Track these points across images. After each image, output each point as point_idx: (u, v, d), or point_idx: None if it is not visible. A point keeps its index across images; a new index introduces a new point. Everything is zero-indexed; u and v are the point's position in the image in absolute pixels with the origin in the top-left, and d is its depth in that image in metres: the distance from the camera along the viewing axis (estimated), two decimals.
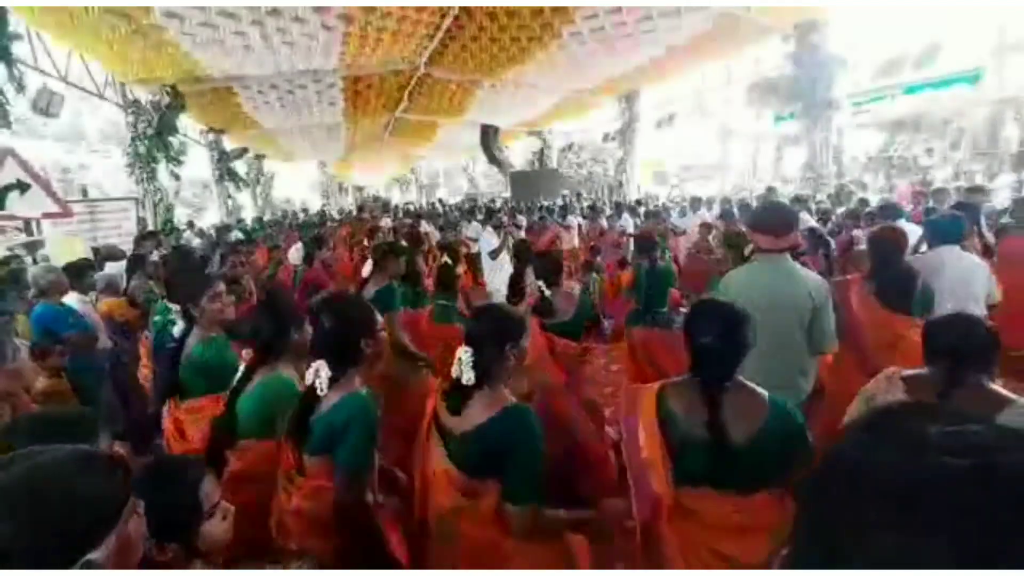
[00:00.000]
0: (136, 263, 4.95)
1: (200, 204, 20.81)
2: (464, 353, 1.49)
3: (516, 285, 3.39)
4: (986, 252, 3.91)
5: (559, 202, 12.41)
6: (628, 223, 7.80)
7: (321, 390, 1.52)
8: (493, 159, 17.03)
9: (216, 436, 1.82)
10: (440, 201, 17.66)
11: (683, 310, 3.52)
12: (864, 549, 0.43)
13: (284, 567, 1.51)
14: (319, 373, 1.53)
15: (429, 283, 4.38)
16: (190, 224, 10.66)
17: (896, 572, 0.41)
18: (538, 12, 7.59)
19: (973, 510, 0.40)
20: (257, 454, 1.77)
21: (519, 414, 1.47)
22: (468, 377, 1.48)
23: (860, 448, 0.49)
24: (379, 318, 1.69)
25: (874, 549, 0.43)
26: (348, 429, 1.50)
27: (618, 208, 9.23)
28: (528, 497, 1.41)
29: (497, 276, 5.37)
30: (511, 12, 7.60)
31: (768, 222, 2.19)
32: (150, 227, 8.64)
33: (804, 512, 0.52)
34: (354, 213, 14.41)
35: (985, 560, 0.39)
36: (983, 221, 4.38)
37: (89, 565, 0.84)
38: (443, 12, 7.44)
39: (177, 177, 9.60)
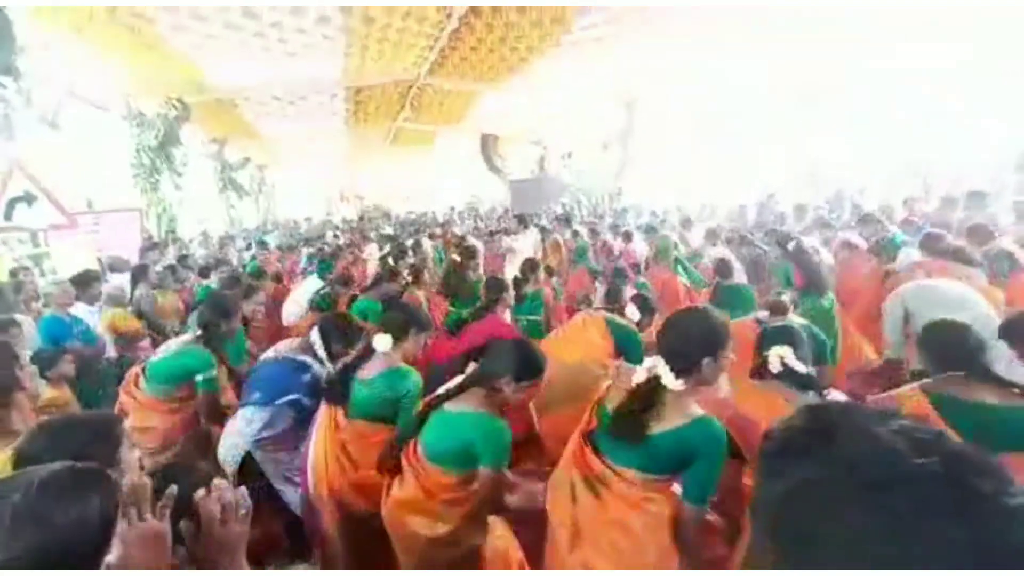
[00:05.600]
0: (140, 274, 5.01)
1: (202, 215, 20.85)
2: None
3: None
4: None
5: (559, 210, 12.46)
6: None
7: (666, 380, 1.51)
8: (493, 167, 17.13)
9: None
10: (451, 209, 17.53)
11: None
12: (840, 549, 0.45)
13: (284, 567, 1.53)
14: (658, 369, 1.53)
15: None
16: (203, 235, 10.67)
17: (893, 572, 0.43)
18: (537, 23, 7.69)
19: (944, 509, 0.43)
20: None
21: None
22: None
23: (824, 451, 0.51)
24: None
25: (853, 548, 0.45)
26: (704, 457, 1.47)
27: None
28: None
29: None
30: (510, 23, 7.70)
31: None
32: (154, 238, 8.71)
33: (768, 517, 0.54)
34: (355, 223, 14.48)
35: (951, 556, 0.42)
36: None
37: (107, 567, 0.90)
38: (442, 24, 7.53)
39: (179, 188, 9.70)
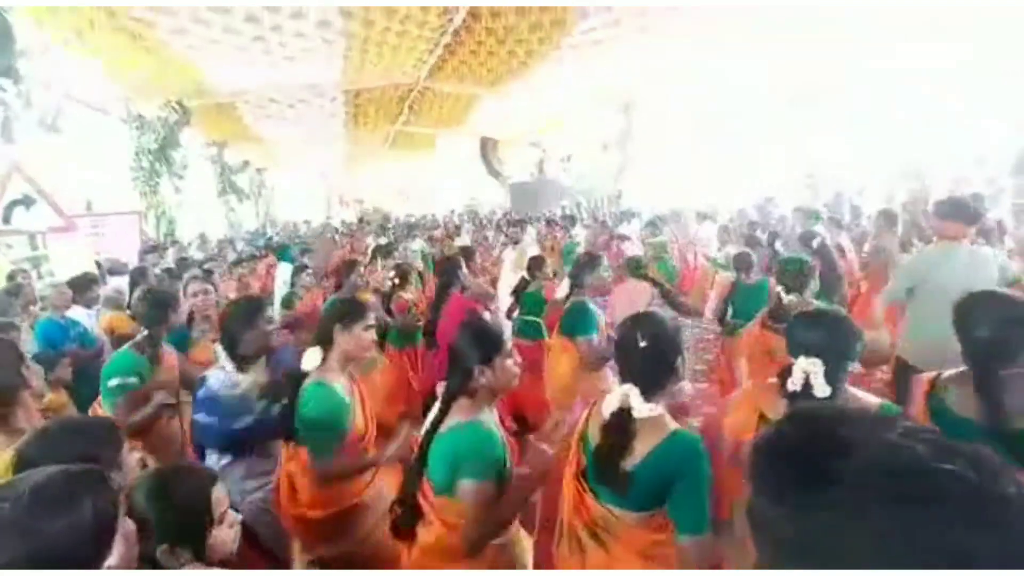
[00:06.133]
0: (139, 276, 4.98)
1: (201, 217, 20.87)
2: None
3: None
4: None
5: (559, 212, 12.45)
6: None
7: (638, 411, 1.38)
8: (492, 171, 17.14)
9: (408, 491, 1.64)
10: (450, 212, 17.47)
11: None
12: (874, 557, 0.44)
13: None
14: (630, 399, 1.39)
15: None
16: (201, 237, 10.65)
17: (893, 572, 0.42)
18: (536, 26, 7.69)
19: (976, 513, 0.42)
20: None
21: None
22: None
23: (834, 462, 0.48)
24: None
25: (879, 561, 0.43)
26: (684, 476, 1.30)
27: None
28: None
29: None
30: (508, 26, 7.71)
31: (956, 213, 2.68)
32: (152, 240, 8.70)
33: (773, 533, 0.52)
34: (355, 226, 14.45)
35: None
36: None
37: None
38: (443, 27, 7.54)
39: (179, 191, 9.71)
